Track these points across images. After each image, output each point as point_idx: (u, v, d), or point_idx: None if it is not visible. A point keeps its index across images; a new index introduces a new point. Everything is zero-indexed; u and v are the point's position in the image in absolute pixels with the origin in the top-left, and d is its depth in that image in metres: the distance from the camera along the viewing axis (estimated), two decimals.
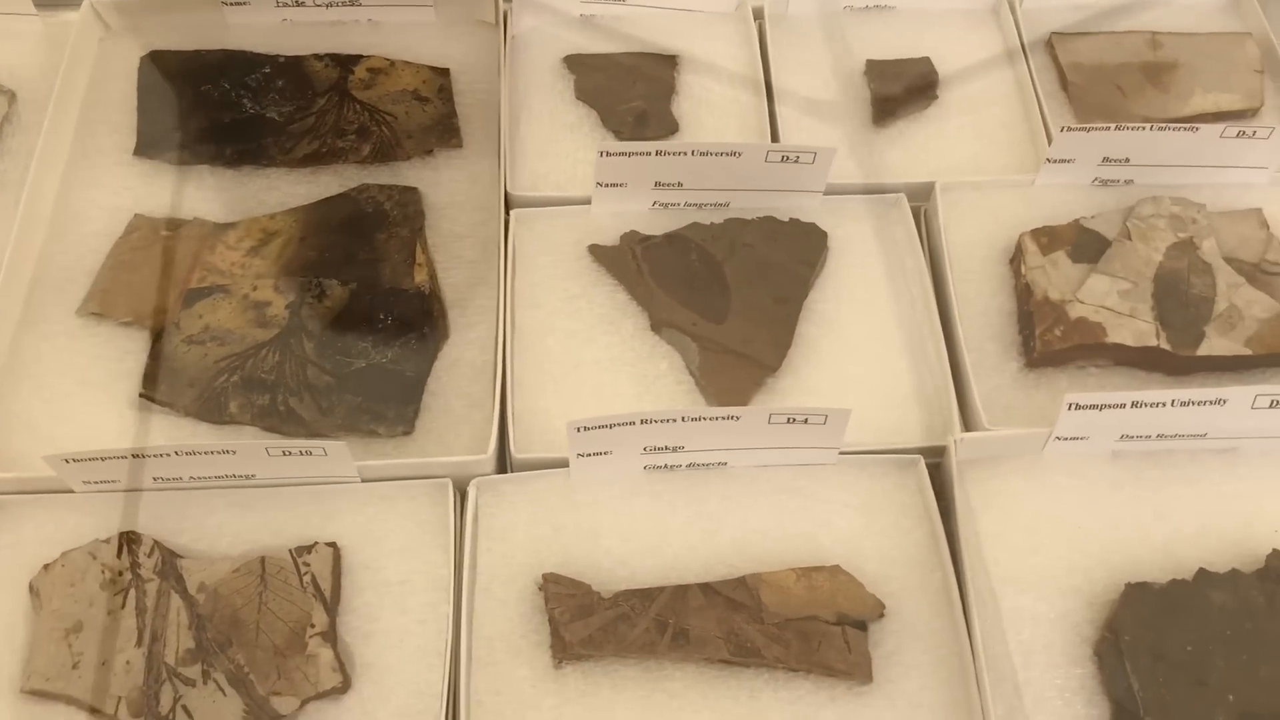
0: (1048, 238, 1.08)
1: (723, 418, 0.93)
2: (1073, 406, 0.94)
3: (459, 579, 0.92)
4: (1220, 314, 1.03)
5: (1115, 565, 0.94)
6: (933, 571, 0.94)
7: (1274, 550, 0.94)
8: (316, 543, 0.93)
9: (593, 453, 0.95)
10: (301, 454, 0.93)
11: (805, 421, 0.94)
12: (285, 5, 1.25)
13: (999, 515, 0.96)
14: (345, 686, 0.88)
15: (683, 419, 0.93)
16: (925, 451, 0.99)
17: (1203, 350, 1.01)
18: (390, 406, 1.01)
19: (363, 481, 0.97)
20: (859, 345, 1.05)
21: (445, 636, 0.90)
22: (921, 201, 1.15)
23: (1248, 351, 1.01)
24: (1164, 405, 0.95)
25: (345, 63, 1.22)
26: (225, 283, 1.07)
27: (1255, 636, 0.89)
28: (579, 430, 0.92)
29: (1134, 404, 0.95)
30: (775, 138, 1.18)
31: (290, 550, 0.93)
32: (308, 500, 0.96)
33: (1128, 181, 1.14)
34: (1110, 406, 0.95)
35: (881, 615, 0.92)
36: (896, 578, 0.94)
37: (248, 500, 0.96)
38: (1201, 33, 1.25)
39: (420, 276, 1.08)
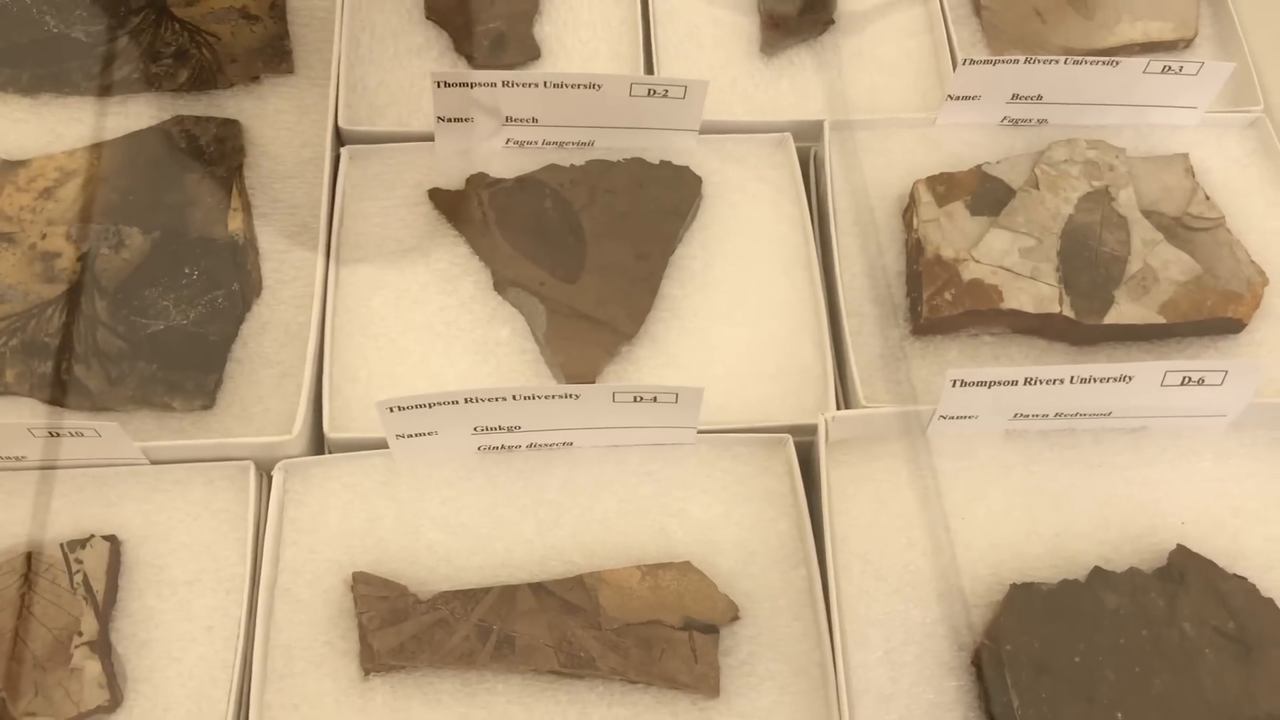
0: (945, 186, 0.96)
1: (561, 396, 0.82)
2: (957, 383, 0.83)
3: (255, 578, 0.81)
4: (1133, 276, 0.92)
5: (1001, 562, 0.83)
6: (795, 568, 0.84)
7: (1178, 546, 0.83)
8: (92, 536, 0.82)
9: (416, 433, 0.84)
10: (72, 435, 0.81)
11: (655, 400, 0.82)
12: None
13: (873, 503, 0.86)
14: (114, 705, 0.77)
15: (514, 397, 0.81)
16: (795, 430, 0.88)
17: (1110, 318, 0.90)
18: (189, 376, 0.88)
19: (151, 464, 0.85)
20: (728, 308, 0.93)
21: (236, 645, 0.78)
22: (810, 142, 1.02)
23: (1161, 319, 0.90)
24: (1062, 382, 0.84)
25: None
26: (11, 230, 0.93)
27: (1151, 646, 0.80)
28: (391, 410, 0.80)
29: (1027, 381, 0.83)
30: (650, 67, 1.05)
31: (62, 545, 0.81)
32: (87, 486, 0.84)
33: (1040, 121, 1.02)
34: (1001, 384, 0.84)
35: (735, 619, 0.82)
36: (754, 575, 0.83)
37: (16, 486, 0.84)
38: None
39: (234, 224, 0.94)
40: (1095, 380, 0.84)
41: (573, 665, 0.79)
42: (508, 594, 0.81)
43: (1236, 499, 0.87)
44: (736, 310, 0.93)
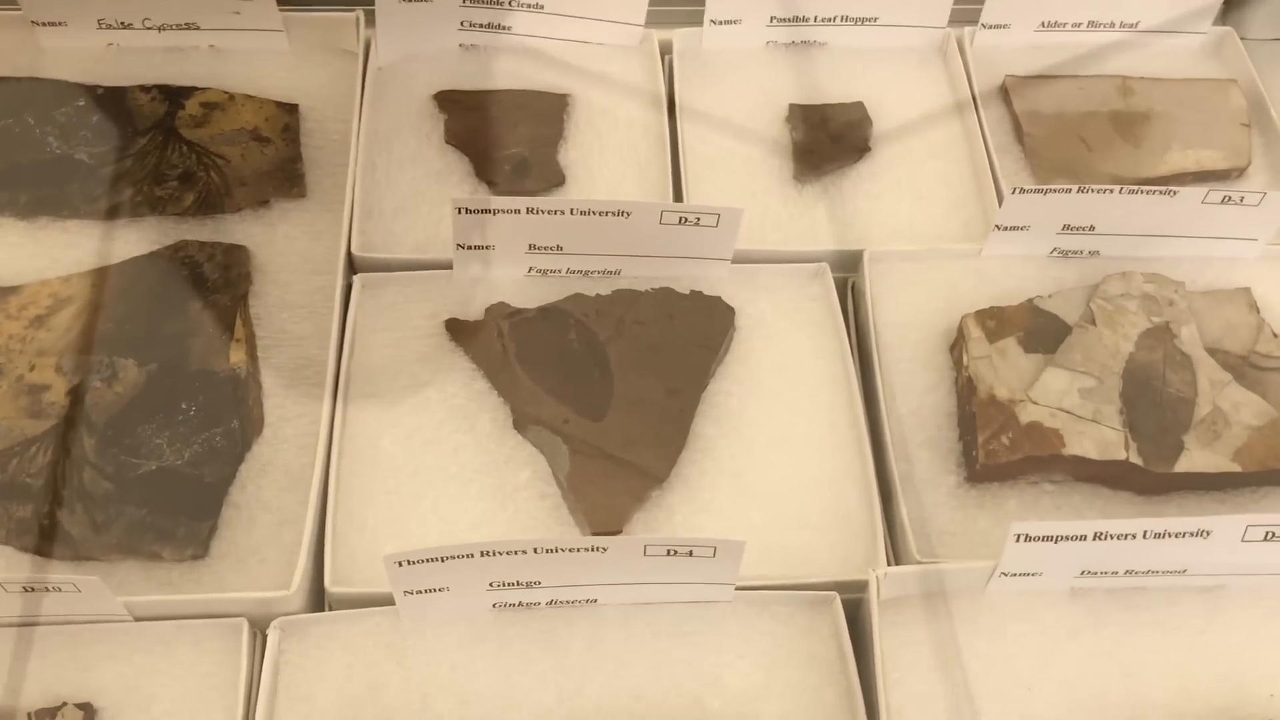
0: (995, 321, 0.90)
1: (586, 549, 0.74)
2: (1021, 538, 0.76)
3: None
4: (1203, 419, 0.85)
5: None
6: None
7: None
8: (65, 704, 0.74)
9: (425, 589, 0.76)
10: (50, 590, 0.73)
11: (690, 554, 0.75)
12: (110, 27, 1.06)
13: (929, 671, 0.78)
14: None
15: (534, 550, 0.74)
16: (842, 587, 0.80)
17: (1181, 465, 0.83)
18: (180, 522, 0.81)
19: (135, 621, 0.77)
20: (766, 450, 0.86)
21: None
22: (848, 273, 0.97)
23: (1236, 467, 0.83)
24: (1134, 537, 0.76)
25: (176, 96, 1.03)
26: None
27: None
28: (399, 565, 0.73)
29: (1097, 535, 0.76)
30: (679, 193, 1.00)
31: (29, 714, 0.73)
32: (63, 645, 0.76)
33: (1092, 253, 0.96)
34: (1068, 538, 0.76)
35: None
36: None
37: None
38: (1179, 78, 1.08)
39: (236, 356, 0.88)
40: (1170, 535, 0.76)
41: None
42: None
43: None
44: (775, 452, 0.86)
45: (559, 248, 0.92)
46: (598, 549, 0.74)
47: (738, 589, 0.79)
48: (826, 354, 0.91)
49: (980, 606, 0.80)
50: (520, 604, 0.79)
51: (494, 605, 0.79)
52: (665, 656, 0.78)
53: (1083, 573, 0.80)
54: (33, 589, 0.73)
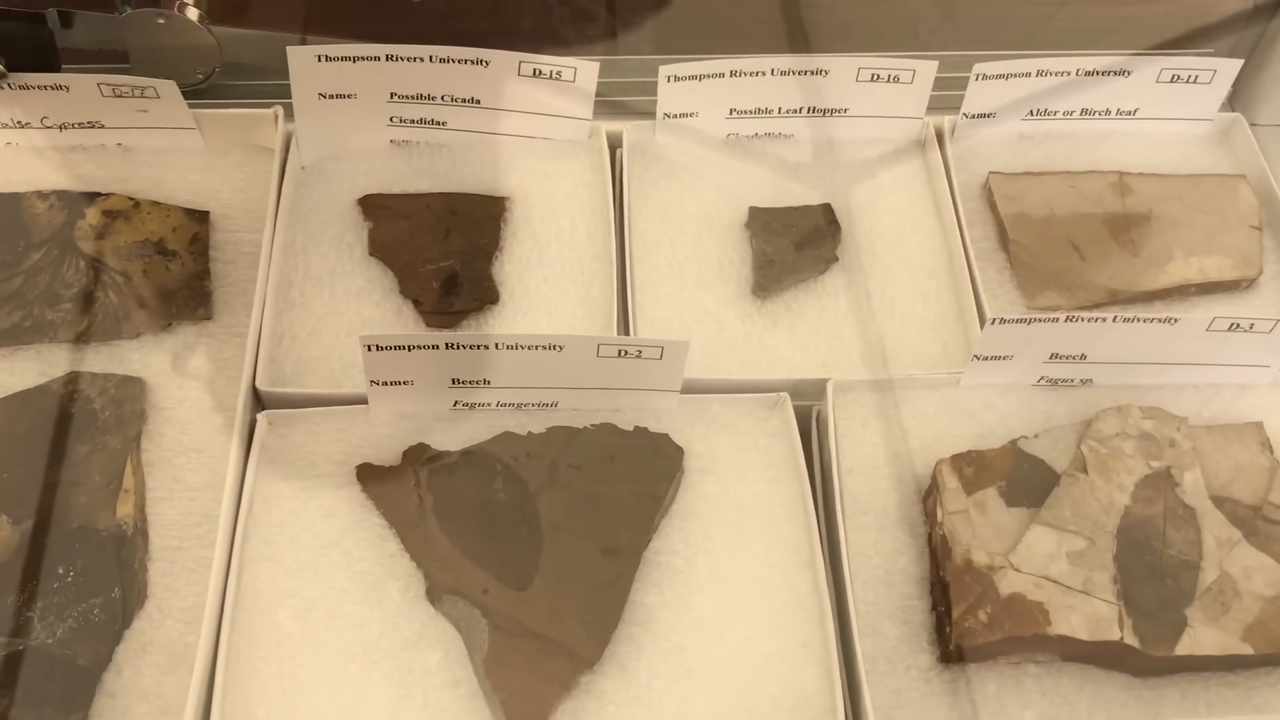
0: (973, 468, 0.80)
1: None
2: None
3: None
4: (1208, 589, 0.75)
5: None
6: None
7: None
8: None
9: None
10: None
11: None
12: (5, 126, 0.96)
13: None
14: None
15: None
16: None
17: (1184, 647, 0.73)
18: (46, 715, 0.71)
19: None
20: (714, 622, 0.76)
21: None
22: (812, 401, 0.87)
23: (1247, 649, 0.73)
24: None
25: (76, 203, 0.94)
26: None
27: None
28: None
29: None
30: (625, 311, 0.90)
31: None
32: None
33: (1084, 381, 0.87)
34: None
35: None
36: None
37: None
38: (1183, 174, 0.98)
39: (124, 509, 0.79)
40: None
41: None
42: None
43: None
44: (723, 624, 0.76)
45: (486, 382, 0.83)
46: None
47: None
48: (785, 503, 0.82)
49: None
50: None
51: None
52: None
53: None
54: None
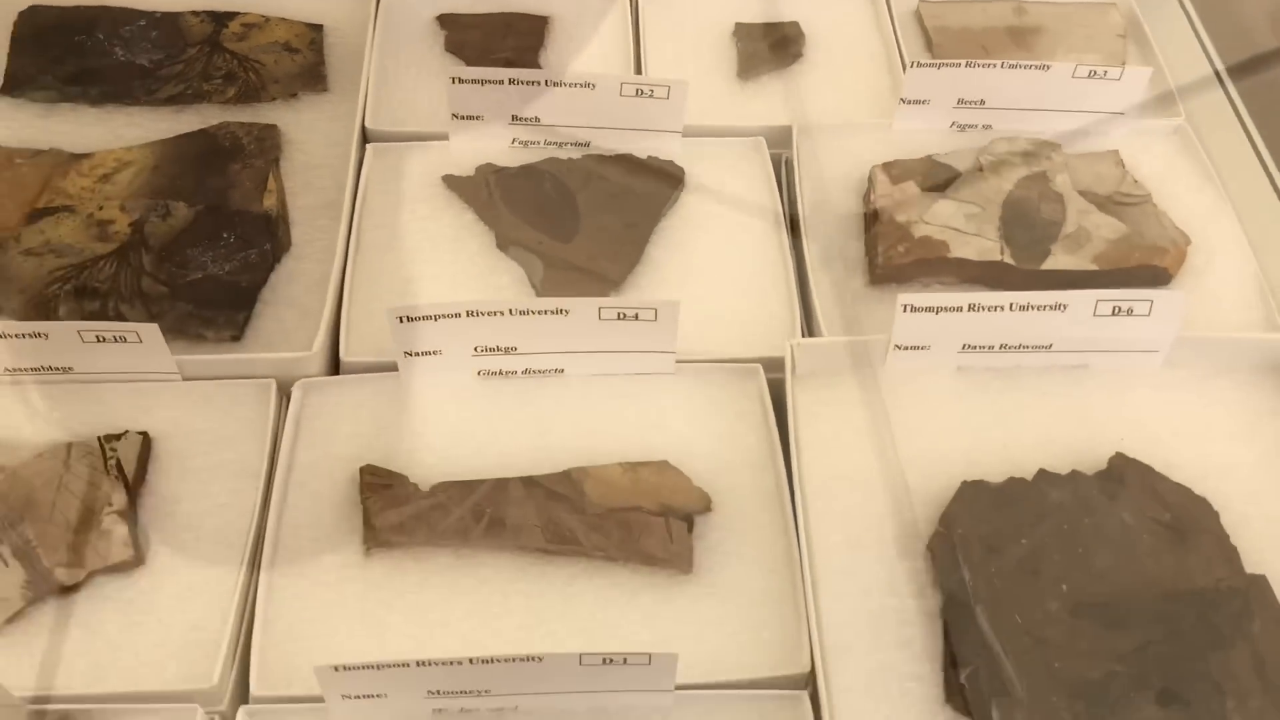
0: (898, 169, 1.08)
1: (552, 311, 0.91)
2: (908, 309, 0.93)
3: (272, 470, 0.89)
4: (1068, 235, 1.02)
5: (952, 465, 0.91)
6: (764, 472, 0.91)
7: (1117, 453, 0.91)
8: (127, 431, 0.90)
9: (422, 351, 0.93)
10: (115, 340, 0.91)
11: (636, 318, 0.92)
12: None
13: (836, 421, 0.94)
14: (137, 561, 0.84)
15: (510, 311, 0.91)
16: (766, 363, 0.97)
17: (1047, 265, 1.00)
18: (220, 313, 0.99)
19: (184, 380, 0.94)
20: (706, 266, 1.04)
21: (250, 519, 0.86)
22: (783, 149, 1.15)
23: (1094, 267, 1.00)
24: (1003, 309, 0.93)
25: (220, 18, 1.24)
26: (72, 204, 1.06)
27: (1093, 531, 0.86)
28: (401, 320, 0.90)
29: (971, 307, 0.93)
30: None
31: (99, 437, 0.90)
32: (125, 395, 0.94)
33: (986, 126, 1.15)
34: (947, 309, 0.93)
35: (708, 509, 0.89)
36: (727, 478, 0.91)
37: (62, 395, 0.93)
38: (1068, 1, 1.27)
39: (269, 201, 1.07)
40: (1034, 308, 0.93)
41: (558, 542, 0.86)
42: (500, 485, 0.89)
43: (1172, 421, 0.94)
44: (713, 268, 1.04)
45: (537, 119, 1.11)
46: (561, 311, 0.91)
47: (678, 362, 0.96)
48: (760, 207, 1.09)
49: (879, 378, 0.96)
50: (500, 372, 0.96)
51: (478, 373, 0.96)
52: (619, 409, 0.94)
53: (965, 347, 0.96)
54: (101, 339, 0.91)
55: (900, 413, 0.95)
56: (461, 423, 0.93)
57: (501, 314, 0.91)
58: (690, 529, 0.87)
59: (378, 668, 0.73)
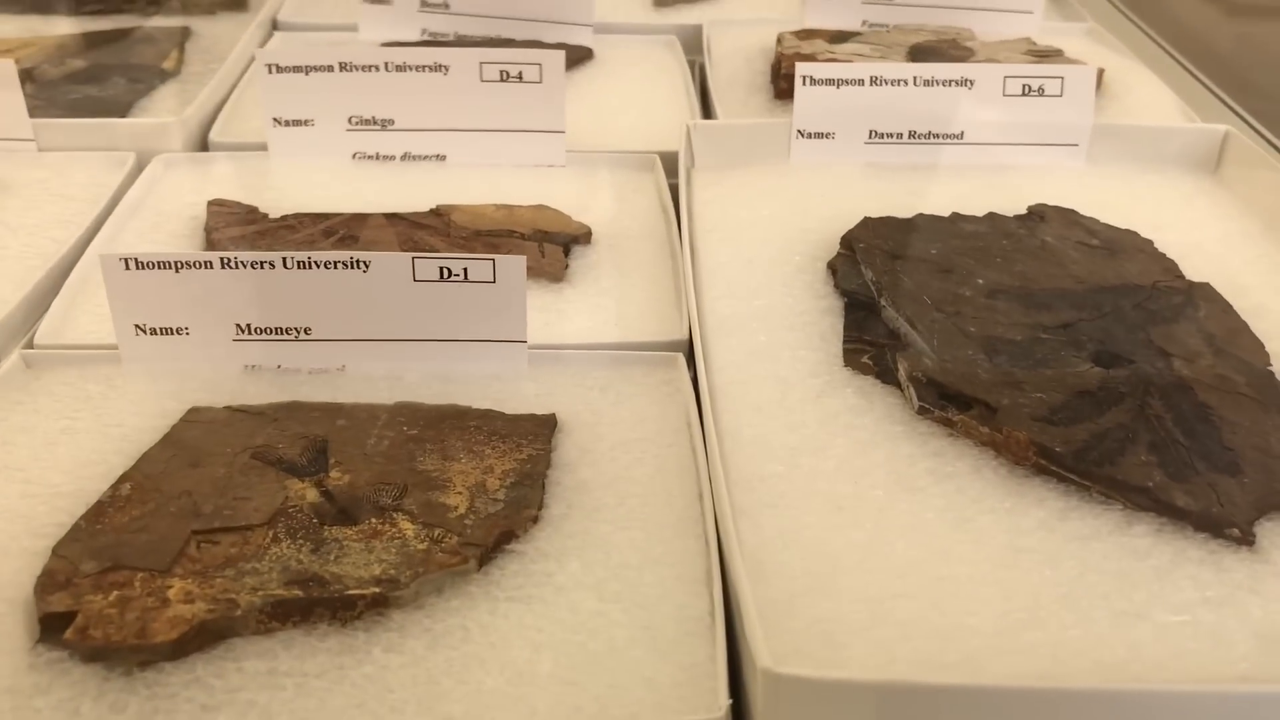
0: (807, 33, 1.07)
1: (430, 67, 0.87)
2: (807, 80, 0.89)
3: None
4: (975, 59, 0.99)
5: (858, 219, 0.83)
6: (656, 234, 0.83)
7: (1038, 203, 0.84)
8: None
9: (292, 120, 0.88)
10: None
11: (520, 77, 0.88)
12: None
13: (736, 205, 0.86)
14: None
15: (386, 65, 0.87)
16: (665, 156, 0.91)
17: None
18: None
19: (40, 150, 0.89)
20: (619, 109, 1.01)
21: None
22: (696, 56, 1.14)
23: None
24: (907, 83, 0.89)
25: None
26: None
27: (1013, 246, 0.78)
28: (270, 70, 0.86)
29: (874, 80, 0.89)
30: None
31: None
32: None
33: (896, 27, 1.14)
34: (848, 82, 0.89)
35: (588, 240, 0.81)
36: (623, 239, 0.82)
37: None
38: None
39: (168, 64, 1.06)
40: (939, 83, 0.89)
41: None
42: (359, 217, 0.81)
43: (1094, 192, 0.88)
44: (616, 102, 1.01)
45: (446, 6, 1.11)
46: (440, 66, 0.87)
47: (568, 152, 0.90)
48: (670, 82, 1.07)
49: (783, 170, 0.90)
50: (378, 155, 0.90)
51: (353, 155, 0.90)
52: (506, 193, 0.87)
53: (871, 134, 0.91)
54: None
55: (805, 201, 0.87)
56: (328, 195, 0.86)
57: (376, 68, 0.87)
58: (567, 253, 0.79)
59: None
